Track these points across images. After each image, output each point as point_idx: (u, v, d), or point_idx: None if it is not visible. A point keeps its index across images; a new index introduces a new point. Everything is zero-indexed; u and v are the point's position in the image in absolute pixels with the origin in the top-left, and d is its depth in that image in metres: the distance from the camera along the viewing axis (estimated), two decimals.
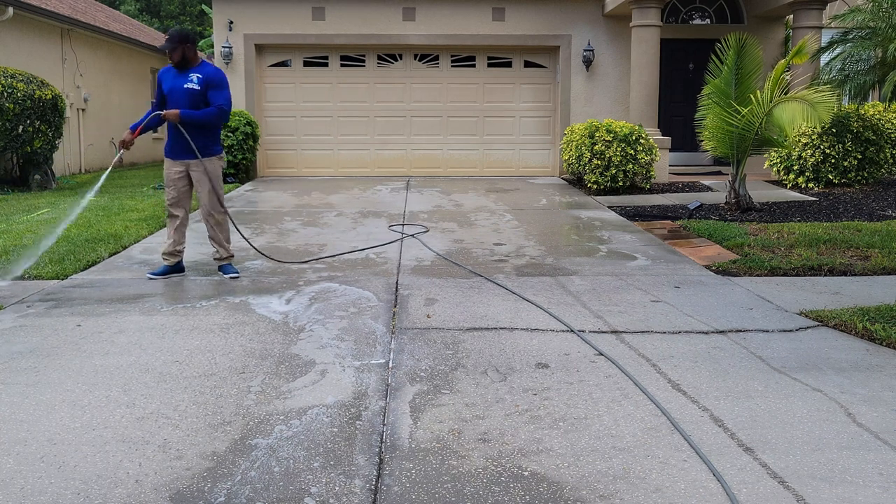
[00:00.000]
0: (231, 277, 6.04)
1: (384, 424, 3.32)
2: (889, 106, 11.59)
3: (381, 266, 6.52)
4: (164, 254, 6.08)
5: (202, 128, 5.88)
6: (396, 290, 5.68)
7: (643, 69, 11.82)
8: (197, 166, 5.94)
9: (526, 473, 2.88)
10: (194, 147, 5.87)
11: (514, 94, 13.91)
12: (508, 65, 13.85)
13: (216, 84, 5.90)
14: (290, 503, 2.68)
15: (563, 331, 4.69)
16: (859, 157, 10.75)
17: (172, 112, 5.77)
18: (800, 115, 8.14)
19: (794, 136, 10.20)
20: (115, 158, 6.00)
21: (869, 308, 4.99)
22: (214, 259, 6.22)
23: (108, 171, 6.44)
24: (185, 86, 5.83)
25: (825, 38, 12.66)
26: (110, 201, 10.24)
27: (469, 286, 5.82)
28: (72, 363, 4.07)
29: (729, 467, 2.93)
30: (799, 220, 8.51)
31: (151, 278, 5.94)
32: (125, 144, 5.82)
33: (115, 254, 6.90)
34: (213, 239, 6.15)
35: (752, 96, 8.59)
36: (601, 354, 4.24)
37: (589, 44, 13.42)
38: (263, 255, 6.67)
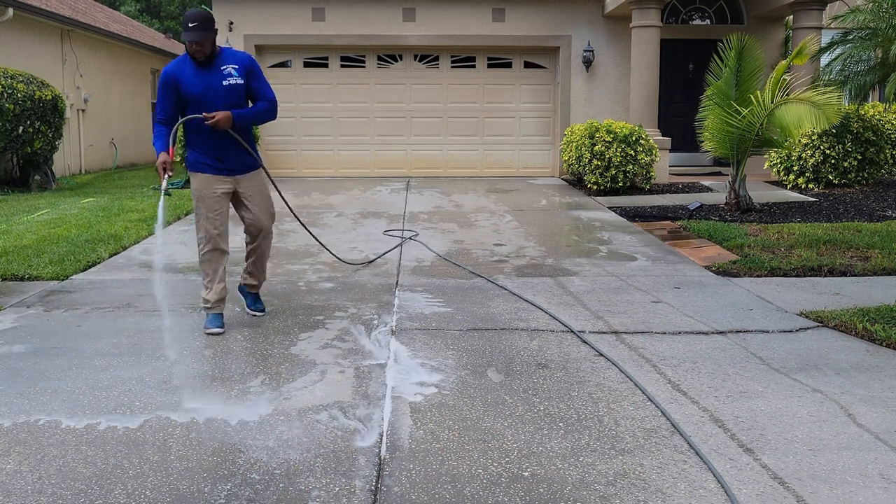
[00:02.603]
0: (256, 314, 4.98)
1: (384, 424, 3.31)
2: (889, 107, 11.58)
3: (382, 267, 6.52)
4: (215, 301, 4.67)
5: (249, 131, 4.75)
6: (396, 291, 5.67)
7: (643, 70, 11.82)
8: (251, 179, 4.74)
9: (526, 474, 2.88)
10: (254, 154, 4.74)
11: (514, 94, 13.91)
12: (508, 65, 13.85)
13: (257, 73, 4.69)
14: (289, 503, 2.68)
15: (563, 331, 4.69)
16: (859, 157, 10.75)
17: (223, 115, 4.45)
18: (806, 117, 8.12)
19: (796, 138, 10.19)
20: (164, 184, 4.42)
21: (869, 309, 4.99)
22: (248, 285, 5.01)
23: (161, 201, 4.53)
24: (225, 83, 4.53)
25: (825, 38, 12.66)
26: (110, 202, 10.24)
27: (469, 287, 5.81)
28: (72, 363, 4.07)
29: (729, 468, 2.93)
30: (799, 221, 8.51)
31: (213, 333, 4.62)
32: (168, 167, 4.40)
33: (115, 254, 6.90)
34: (256, 266, 4.94)
35: (752, 97, 8.59)
36: (601, 355, 4.23)
37: (589, 44, 13.41)
38: (340, 259, 6.32)
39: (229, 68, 4.56)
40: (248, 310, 5.01)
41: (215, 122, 4.43)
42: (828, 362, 4.14)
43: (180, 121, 4.51)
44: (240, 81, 4.58)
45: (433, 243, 7.47)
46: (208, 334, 4.61)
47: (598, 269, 6.42)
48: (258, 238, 4.82)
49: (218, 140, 4.57)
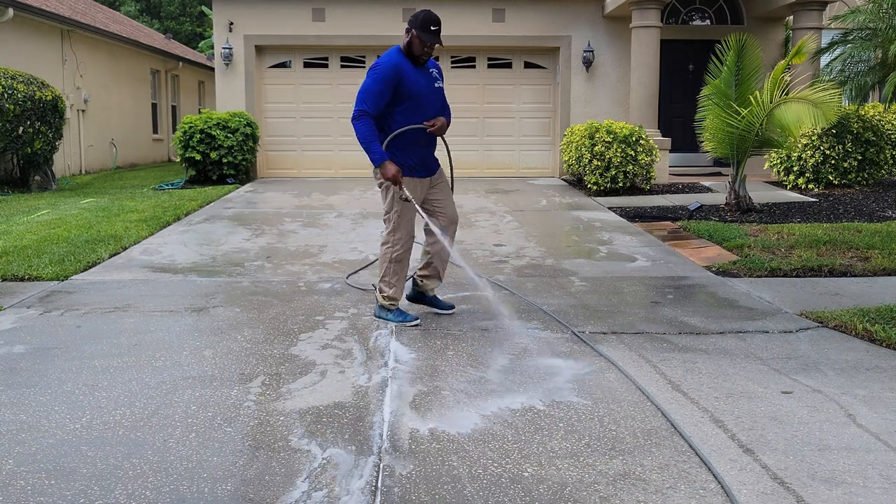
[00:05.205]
0: (447, 312, 5.02)
1: (385, 425, 3.31)
2: (889, 107, 11.58)
3: None
4: (399, 299, 4.88)
5: None
6: None
7: (643, 70, 11.82)
8: (439, 177, 4.83)
9: (526, 475, 2.88)
10: (448, 155, 4.89)
11: (514, 95, 13.91)
12: (508, 66, 13.86)
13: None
14: (290, 503, 2.68)
15: (563, 331, 4.69)
16: (859, 157, 10.75)
17: (443, 122, 4.66)
18: (805, 115, 8.12)
19: (796, 137, 10.18)
20: (403, 196, 4.57)
21: (869, 309, 4.99)
22: (431, 289, 5.01)
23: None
24: (437, 85, 4.70)
25: (825, 39, 12.67)
26: (110, 202, 10.24)
27: (469, 287, 5.81)
28: (72, 364, 4.07)
29: (729, 468, 2.93)
30: (799, 221, 8.52)
31: (417, 325, 4.76)
32: (400, 178, 4.52)
33: (115, 255, 6.90)
34: (440, 260, 4.90)
35: (751, 97, 8.59)
36: (601, 355, 4.23)
37: (589, 45, 13.42)
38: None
39: (434, 72, 4.70)
40: (440, 311, 5.00)
41: (437, 129, 4.60)
42: (828, 362, 4.14)
43: (406, 128, 4.55)
44: (443, 86, 4.75)
45: None
46: (415, 326, 4.72)
47: (598, 270, 6.42)
48: (452, 232, 4.84)
49: (426, 145, 4.69)
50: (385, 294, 4.80)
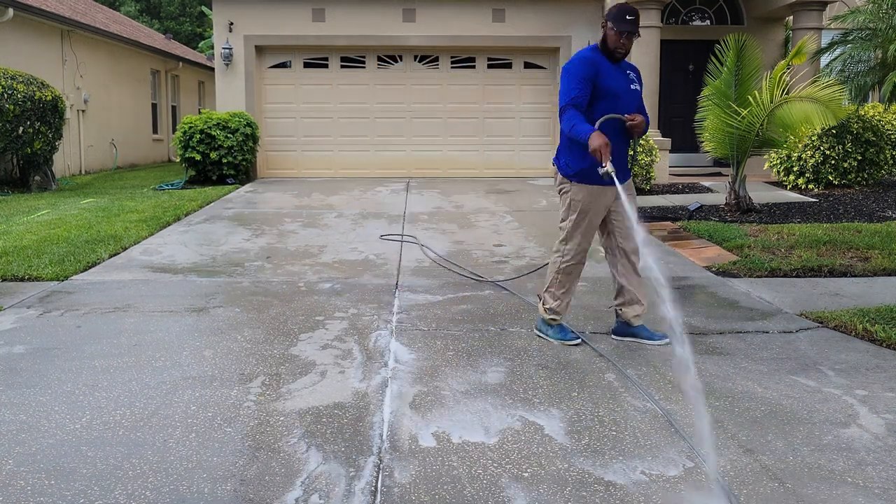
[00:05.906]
0: (661, 343, 4.40)
1: (384, 425, 3.31)
2: (889, 107, 11.59)
3: (382, 267, 6.52)
4: (563, 314, 4.49)
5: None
6: (396, 291, 5.67)
7: (643, 70, 11.80)
8: (627, 188, 4.30)
9: (526, 475, 2.88)
10: (634, 163, 4.47)
11: (514, 95, 13.91)
12: (508, 66, 13.85)
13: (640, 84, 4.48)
14: (289, 503, 2.68)
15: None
16: (859, 158, 10.76)
17: (643, 119, 4.27)
18: (814, 114, 8.10)
19: (803, 137, 10.15)
20: (606, 169, 3.91)
21: (869, 309, 4.99)
22: (633, 318, 4.47)
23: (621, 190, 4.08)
24: (633, 87, 4.34)
25: (825, 39, 12.66)
26: (110, 202, 10.24)
27: (470, 287, 5.82)
28: (72, 364, 4.07)
29: (730, 468, 2.93)
30: (799, 222, 8.52)
31: (576, 344, 4.40)
32: (607, 149, 3.92)
33: (115, 255, 6.90)
34: (630, 284, 4.46)
35: (751, 97, 8.59)
36: (601, 355, 4.23)
37: (589, 45, 13.41)
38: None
39: (631, 74, 4.39)
40: (650, 342, 4.43)
41: (637, 124, 4.21)
42: (828, 362, 4.14)
43: (608, 116, 4.16)
44: (639, 89, 4.40)
45: (433, 244, 7.47)
46: (571, 346, 4.38)
47: (597, 270, 6.41)
48: (630, 252, 4.42)
49: (619, 146, 4.26)
50: (548, 306, 4.45)
